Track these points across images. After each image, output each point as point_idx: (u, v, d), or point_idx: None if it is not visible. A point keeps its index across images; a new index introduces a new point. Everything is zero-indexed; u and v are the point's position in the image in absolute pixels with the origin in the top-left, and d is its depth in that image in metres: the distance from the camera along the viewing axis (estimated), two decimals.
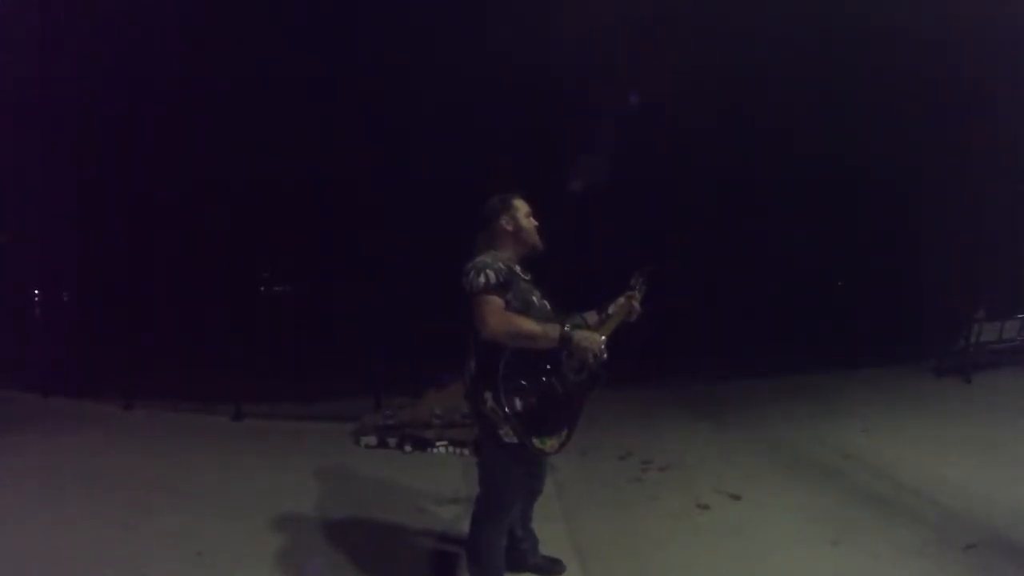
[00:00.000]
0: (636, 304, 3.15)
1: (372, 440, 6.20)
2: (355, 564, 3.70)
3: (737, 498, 4.73)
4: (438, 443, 6.00)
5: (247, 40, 9.73)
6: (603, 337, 2.87)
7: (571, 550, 3.83)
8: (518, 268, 3.05)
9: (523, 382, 2.78)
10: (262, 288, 13.29)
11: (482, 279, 2.81)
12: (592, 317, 3.17)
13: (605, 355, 2.86)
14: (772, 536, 4.04)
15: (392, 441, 6.15)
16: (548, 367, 2.84)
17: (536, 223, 3.17)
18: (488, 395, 2.77)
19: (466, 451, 5.91)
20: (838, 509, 4.45)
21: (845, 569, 3.58)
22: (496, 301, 2.79)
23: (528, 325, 2.77)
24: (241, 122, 10.19)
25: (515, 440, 2.75)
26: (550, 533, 3.83)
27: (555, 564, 3.60)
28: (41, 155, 10.54)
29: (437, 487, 4.99)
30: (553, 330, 2.78)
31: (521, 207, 3.14)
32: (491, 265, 2.86)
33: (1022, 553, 3.66)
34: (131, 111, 10.35)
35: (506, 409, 2.72)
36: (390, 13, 9.86)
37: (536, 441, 2.79)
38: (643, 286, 3.24)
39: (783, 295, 12.25)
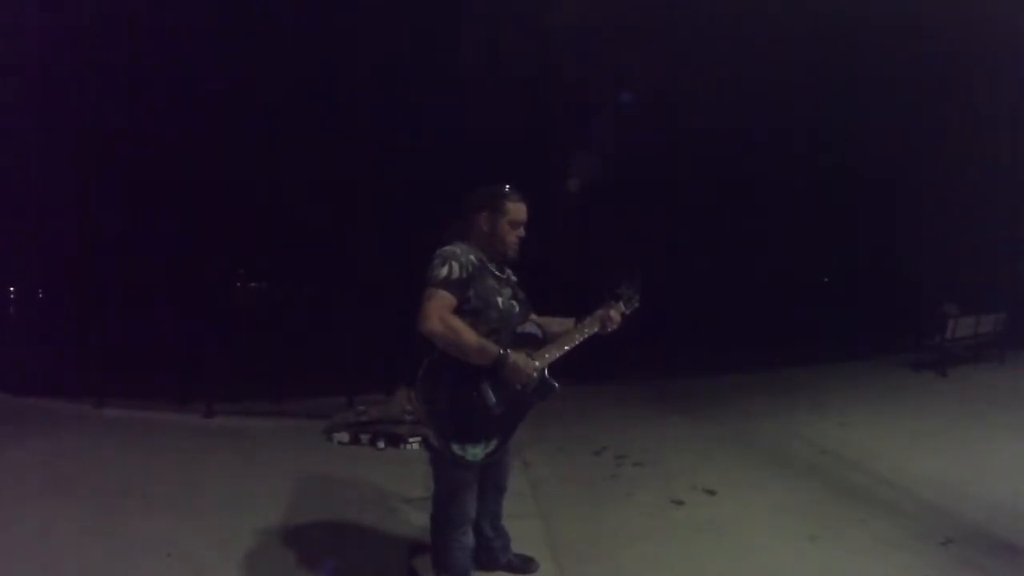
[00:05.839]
0: (616, 315, 3.02)
1: (344, 437, 6.10)
2: (324, 565, 3.59)
3: (713, 493, 4.68)
4: (411, 439, 5.91)
5: (231, 42, 9.62)
6: (536, 363, 2.74)
7: (545, 548, 3.74)
8: (493, 266, 2.91)
9: (445, 385, 2.67)
10: (238, 284, 13.19)
11: (444, 271, 2.69)
12: (568, 323, 3.04)
13: (549, 387, 2.82)
14: (748, 532, 3.99)
15: (365, 438, 6.06)
16: (479, 373, 2.68)
17: (522, 235, 2.95)
18: (412, 394, 2.69)
19: None
20: (815, 504, 4.42)
21: (823, 564, 3.53)
22: (446, 298, 2.66)
23: (466, 336, 2.63)
24: (219, 123, 10.09)
25: (436, 443, 2.67)
26: (523, 530, 3.73)
27: (528, 562, 3.47)
28: (10, 155, 10.35)
29: (408, 485, 4.88)
30: (490, 348, 2.64)
31: (511, 212, 2.89)
32: (459, 257, 2.74)
33: (998, 546, 3.66)
34: (105, 112, 10.19)
35: (424, 411, 2.63)
36: (385, 14, 9.81)
37: (456, 447, 2.68)
38: (634, 297, 3.11)
39: (762, 291, 12.35)
